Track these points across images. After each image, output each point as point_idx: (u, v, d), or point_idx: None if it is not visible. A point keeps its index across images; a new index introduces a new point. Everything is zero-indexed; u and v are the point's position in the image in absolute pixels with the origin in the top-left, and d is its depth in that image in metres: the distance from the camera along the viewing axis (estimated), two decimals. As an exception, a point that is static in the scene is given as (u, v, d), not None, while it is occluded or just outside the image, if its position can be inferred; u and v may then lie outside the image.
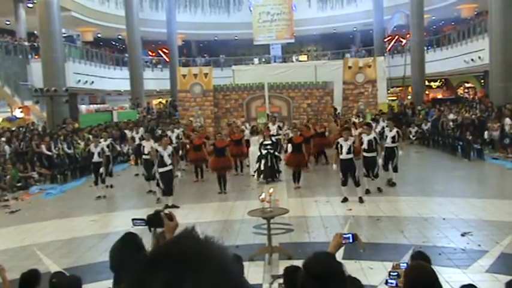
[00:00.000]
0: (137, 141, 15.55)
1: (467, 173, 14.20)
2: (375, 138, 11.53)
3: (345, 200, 10.80)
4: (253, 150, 14.39)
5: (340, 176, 11.02)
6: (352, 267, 6.23)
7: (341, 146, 10.81)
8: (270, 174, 13.34)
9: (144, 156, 13.29)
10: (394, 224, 8.99)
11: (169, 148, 11.37)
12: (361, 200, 10.69)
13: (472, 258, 6.86)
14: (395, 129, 12.53)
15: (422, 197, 11.03)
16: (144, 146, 13.14)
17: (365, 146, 11.33)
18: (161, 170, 11.19)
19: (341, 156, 10.87)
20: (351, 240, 2.79)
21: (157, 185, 11.58)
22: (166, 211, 2.77)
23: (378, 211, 9.99)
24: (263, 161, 13.30)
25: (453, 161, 16.24)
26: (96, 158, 13.01)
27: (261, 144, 13.42)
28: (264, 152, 13.24)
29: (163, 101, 36.08)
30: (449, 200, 10.48)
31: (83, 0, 29.21)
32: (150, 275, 0.95)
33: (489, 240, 7.63)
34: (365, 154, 11.35)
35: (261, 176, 13.47)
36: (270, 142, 13.35)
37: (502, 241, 7.47)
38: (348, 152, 10.78)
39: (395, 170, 12.35)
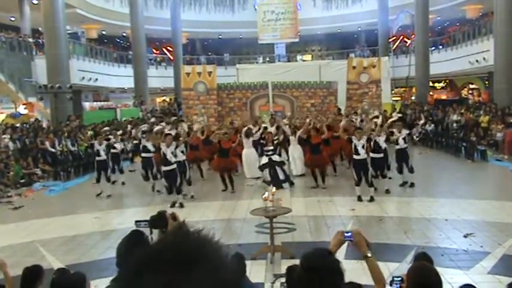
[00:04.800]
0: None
1: (471, 174, 14.19)
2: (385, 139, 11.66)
3: (359, 199, 10.81)
4: (247, 153, 13.99)
5: (354, 176, 11.05)
6: (354, 267, 6.23)
7: (355, 145, 10.84)
8: (278, 183, 12.09)
9: (143, 154, 13.26)
10: (396, 225, 9.00)
11: (173, 145, 11.05)
12: (371, 199, 10.73)
13: (474, 260, 6.86)
14: (404, 130, 12.56)
15: (425, 198, 11.01)
16: (145, 145, 13.02)
17: (378, 146, 11.33)
18: (165, 168, 11.11)
19: (355, 157, 10.91)
20: (352, 239, 2.80)
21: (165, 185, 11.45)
22: (170, 211, 2.78)
23: (381, 211, 10.00)
24: (267, 170, 12.64)
25: (456, 162, 16.21)
26: (102, 156, 12.97)
27: (264, 150, 12.94)
28: (266, 159, 12.64)
29: (168, 99, 36.06)
30: (452, 201, 10.47)
31: (87, -3, 29.27)
32: (145, 276, 0.91)
33: (491, 241, 7.63)
34: (372, 155, 11.33)
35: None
36: (272, 148, 12.69)
37: (504, 243, 7.47)
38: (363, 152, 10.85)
39: (411, 171, 12.18)
